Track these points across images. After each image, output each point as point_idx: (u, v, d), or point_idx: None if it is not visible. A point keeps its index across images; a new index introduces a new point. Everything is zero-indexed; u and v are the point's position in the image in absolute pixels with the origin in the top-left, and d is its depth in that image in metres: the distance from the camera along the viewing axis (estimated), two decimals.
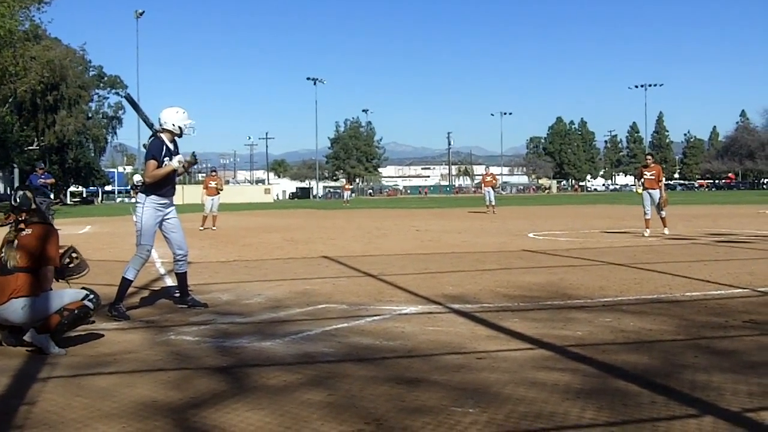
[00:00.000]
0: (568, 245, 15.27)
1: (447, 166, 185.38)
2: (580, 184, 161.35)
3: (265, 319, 7.12)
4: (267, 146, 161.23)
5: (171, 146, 7.80)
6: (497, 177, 43.34)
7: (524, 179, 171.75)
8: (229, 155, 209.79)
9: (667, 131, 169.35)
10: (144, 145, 7.92)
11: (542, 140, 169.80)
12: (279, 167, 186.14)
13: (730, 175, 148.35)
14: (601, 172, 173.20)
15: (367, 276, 10.37)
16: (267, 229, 24.60)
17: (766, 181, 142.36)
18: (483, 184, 35.84)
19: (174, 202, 8.00)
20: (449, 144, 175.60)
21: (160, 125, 7.78)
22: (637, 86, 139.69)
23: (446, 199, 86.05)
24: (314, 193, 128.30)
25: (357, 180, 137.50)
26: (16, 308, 5.84)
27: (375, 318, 7.07)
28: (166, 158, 7.68)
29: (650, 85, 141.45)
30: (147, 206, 7.65)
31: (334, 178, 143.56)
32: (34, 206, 6.19)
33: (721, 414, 4.02)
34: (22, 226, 6.12)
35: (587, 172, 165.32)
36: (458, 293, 8.58)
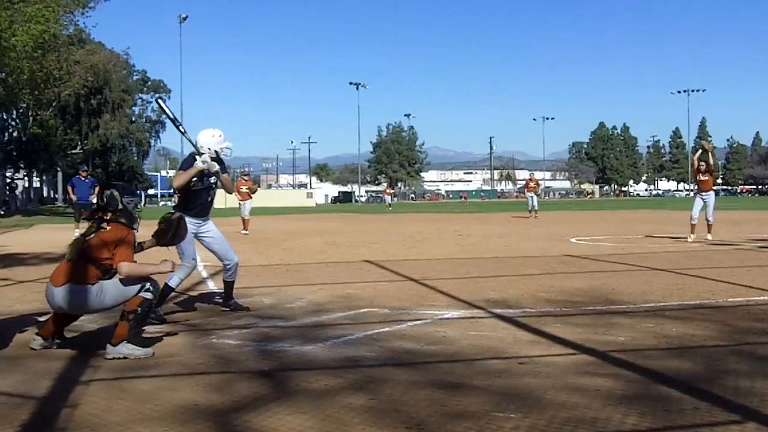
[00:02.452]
0: (611, 250, 15.15)
1: (489, 171, 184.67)
2: (623, 189, 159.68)
3: (307, 323, 7.17)
4: (309, 150, 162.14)
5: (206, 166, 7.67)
6: (540, 182, 43.02)
7: (567, 184, 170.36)
8: (271, 159, 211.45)
9: (710, 136, 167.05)
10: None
11: (584, 145, 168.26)
12: (321, 171, 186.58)
13: None
14: (644, 178, 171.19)
15: (409, 280, 10.39)
16: (309, 232, 24.70)
17: None
18: (526, 190, 35.56)
19: (209, 216, 7.97)
20: (491, 149, 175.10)
21: (197, 148, 7.72)
22: (679, 91, 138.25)
23: (488, 204, 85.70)
24: (356, 197, 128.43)
25: (399, 184, 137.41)
26: (73, 294, 5.84)
27: (417, 322, 7.08)
28: (195, 179, 7.65)
29: (693, 91, 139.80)
30: None
31: (376, 182, 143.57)
32: (120, 206, 6.16)
33: (764, 420, 3.99)
34: (104, 225, 6.08)
35: (630, 177, 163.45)
36: (500, 298, 8.56)
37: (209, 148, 7.74)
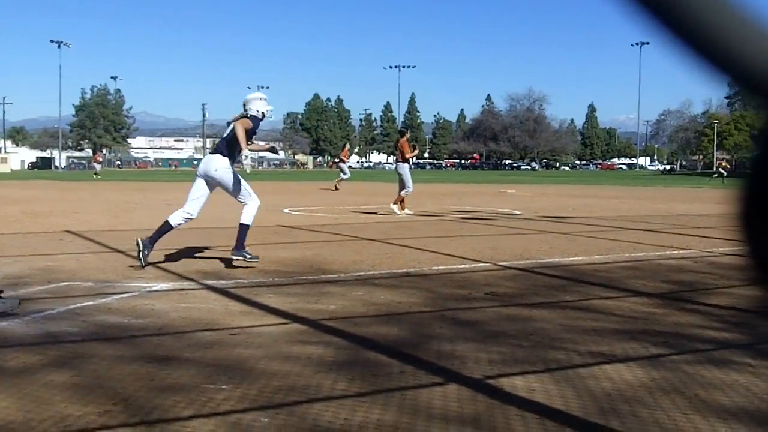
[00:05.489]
0: (324, 221, 15.49)
1: (201, 139, 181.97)
2: (335, 160, 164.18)
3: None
4: (4, 112, 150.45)
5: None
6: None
7: (281, 154, 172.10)
8: None
9: (419, 112, 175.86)
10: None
11: (299, 116, 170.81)
12: (17, 135, 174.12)
13: (475, 155, 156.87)
14: (356, 150, 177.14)
15: (115, 252, 9.97)
16: (3, 201, 22.97)
17: (507, 161, 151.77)
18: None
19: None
20: (204, 116, 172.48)
21: (245, 110, 8.65)
22: (391, 67, 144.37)
23: None
24: (56, 163, 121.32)
25: (104, 151, 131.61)
26: None
27: (123, 295, 6.80)
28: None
29: (404, 67, 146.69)
30: None
31: (79, 148, 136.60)
32: None
33: (465, 381, 4.22)
34: None
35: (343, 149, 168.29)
36: (212, 269, 8.45)
37: (257, 110, 8.70)
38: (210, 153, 9.10)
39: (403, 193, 17.67)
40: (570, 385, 4.16)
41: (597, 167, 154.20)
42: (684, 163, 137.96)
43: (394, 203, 17.78)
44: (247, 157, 8.45)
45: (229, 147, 8.65)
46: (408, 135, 18.78)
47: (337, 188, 31.22)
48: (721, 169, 60.43)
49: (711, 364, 4.61)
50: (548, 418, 3.64)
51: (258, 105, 8.76)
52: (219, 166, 8.62)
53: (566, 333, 5.44)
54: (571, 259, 9.59)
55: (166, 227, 8.66)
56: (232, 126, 8.66)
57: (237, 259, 8.50)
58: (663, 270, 8.75)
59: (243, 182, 8.68)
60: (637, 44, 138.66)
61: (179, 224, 8.69)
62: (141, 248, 8.30)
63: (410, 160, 18.25)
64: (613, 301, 6.80)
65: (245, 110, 8.74)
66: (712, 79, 0.38)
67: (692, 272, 8.55)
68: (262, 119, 8.78)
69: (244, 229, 8.61)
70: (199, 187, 8.77)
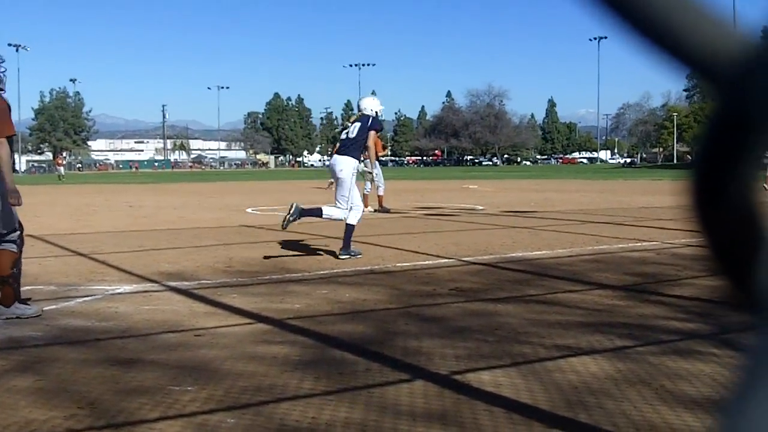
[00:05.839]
0: None
1: (162, 140, 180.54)
2: (297, 159, 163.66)
3: None
4: None
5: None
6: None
7: (242, 154, 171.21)
8: None
9: (382, 107, 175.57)
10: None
11: (260, 115, 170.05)
12: None
13: (436, 152, 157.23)
14: (318, 148, 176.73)
15: (77, 255, 9.85)
16: None
17: (469, 157, 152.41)
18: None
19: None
20: (164, 117, 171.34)
21: (360, 110, 9.89)
22: (351, 65, 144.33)
23: (162, 174, 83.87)
24: (17, 167, 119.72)
25: (64, 153, 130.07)
26: None
27: (86, 298, 6.73)
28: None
29: (364, 65, 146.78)
30: None
31: (39, 151, 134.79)
32: None
33: (431, 377, 4.23)
34: None
35: (304, 148, 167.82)
36: (175, 270, 8.38)
37: (371, 110, 9.95)
38: (337, 154, 9.74)
39: (380, 191, 17.77)
40: (537, 378, 4.18)
41: (558, 161, 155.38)
42: (644, 156, 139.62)
43: (380, 205, 17.79)
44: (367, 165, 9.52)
45: (357, 150, 9.59)
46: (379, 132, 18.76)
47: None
48: None
49: (676, 354, 4.67)
50: (515, 412, 3.66)
51: (373, 105, 10.08)
52: (344, 167, 9.42)
53: (531, 327, 5.47)
54: (534, 253, 9.65)
55: (347, 229, 9.38)
56: (356, 127, 9.64)
57: (344, 258, 9.15)
58: (626, 262, 8.83)
59: (355, 191, 9.49)
60: (595, 39, 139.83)
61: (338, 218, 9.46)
62: (291, 212, 9.11)
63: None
64: (578, 294, 6.85)
65: (360, 110, 10.01)
66: (667, 67, 0.38)
67: (655, 264, 8.65)
68: (376, 117, 9.95)
69: (349, 229, 9.31)
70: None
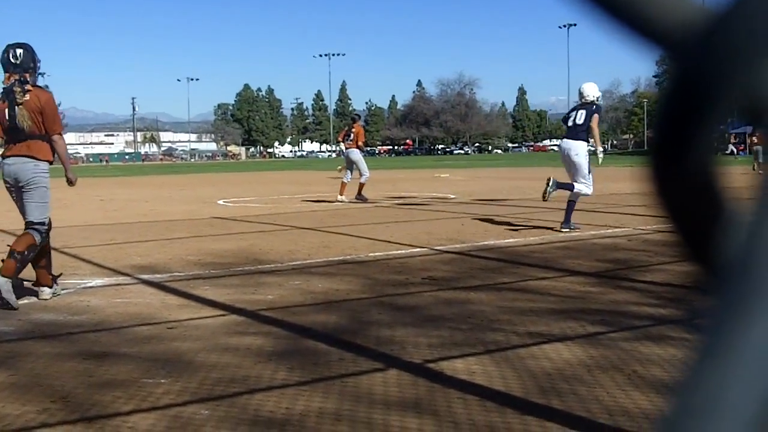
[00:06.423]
0: (258, 211, 15.38)
1: (132, 133, 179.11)
2: (269, 150, 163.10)
3: None
4: None
5: None
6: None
7: (213, 146, 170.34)
8: None
9: (350, 99, 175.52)
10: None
11: (230, 107, 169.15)
12: None
13: (408, 141, 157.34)
14: (288, 139, 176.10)
15: None
16: None
17: (440, 146, 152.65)
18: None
19: None
20: (134, 110, 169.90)
21: (582, 96, 10.70)
22: (321, 55, 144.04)
23: (132, 167, 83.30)
24: None
25: None
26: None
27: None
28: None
29: (334, 55, 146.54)
30: None
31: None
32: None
33: (405, 366, 4.25)
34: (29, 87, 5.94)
35: (275, 139, 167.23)
36: (147, 263, 8.33)
37: (594, 96, 10.73)
38: (567, 138, 10.75)
39: (363, 180, 17.42)
40: (510, 366, 4.21)
41: (529, 149, 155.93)
42: (615, 142, 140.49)
43: (359, 193, 17.44)
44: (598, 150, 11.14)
45: (585, 133, 10.52)
46: (360, 121, 18.66)
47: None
48: (755, 148, 58.15)
49: (648, 340, 4.71)
50: (489, 399, 3.68)
51: (594, 91, 10.74)
52: (579, 151, 10.48)
53: (504, 314, 5.50)
54: (506, 241, 9.70)
55: (571, 201, 10.70)
56: (583, 114, 10.54)
57: (564, 231, 10.38)
58: (598, 249, 8.90)
59: (586, 171, 10.46)
60: (564, 26, 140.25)
61: (586, 194, 10.70)
62: (549, 185, 10.42)
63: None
64: (550, 281, 6.90)
65: (583, 96, 10.73)
66: (627, 41, 0.38)
67: (626, 250, 8.72)
68: (597, 102, 10.89)
69: (570, 205, 10.58)
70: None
